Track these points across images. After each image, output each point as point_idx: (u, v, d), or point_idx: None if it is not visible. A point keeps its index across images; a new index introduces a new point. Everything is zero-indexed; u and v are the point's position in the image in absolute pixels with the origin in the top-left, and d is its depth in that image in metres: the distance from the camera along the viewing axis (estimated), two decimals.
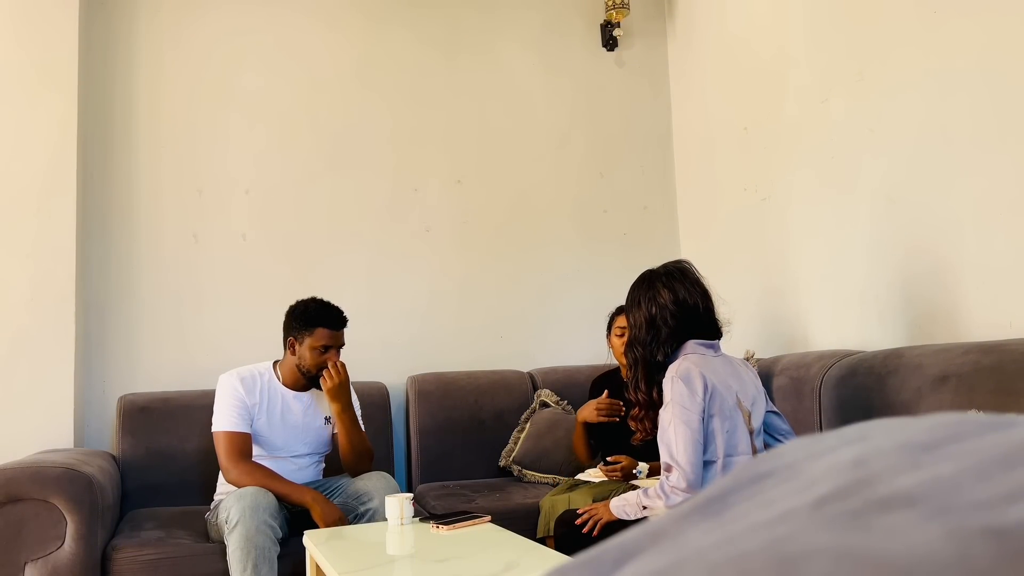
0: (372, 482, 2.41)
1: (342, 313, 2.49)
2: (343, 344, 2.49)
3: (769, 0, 3.16)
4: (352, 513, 2.37)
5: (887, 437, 0.27)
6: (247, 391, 2.42)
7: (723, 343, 2.18)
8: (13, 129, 2.88)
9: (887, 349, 2.29)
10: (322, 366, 2.43)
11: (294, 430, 2.50)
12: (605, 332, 2.79)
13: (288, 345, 2.49)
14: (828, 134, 2.82)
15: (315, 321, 2.44)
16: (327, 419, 2.56)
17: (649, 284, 2.10)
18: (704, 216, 3.65)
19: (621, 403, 2.51)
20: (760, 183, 3.21)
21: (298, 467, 2.51)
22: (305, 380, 2.50)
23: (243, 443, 2.37)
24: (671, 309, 2.05)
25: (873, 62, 2.61)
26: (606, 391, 2.63)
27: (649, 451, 2.34)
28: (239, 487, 2.29)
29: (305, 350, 2.44)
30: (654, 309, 2.06)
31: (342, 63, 3.46)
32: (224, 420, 2.39)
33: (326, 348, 2.43)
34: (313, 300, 2.52)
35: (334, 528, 2.24)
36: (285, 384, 2.51)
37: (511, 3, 3.72)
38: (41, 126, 2.90)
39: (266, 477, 2.32)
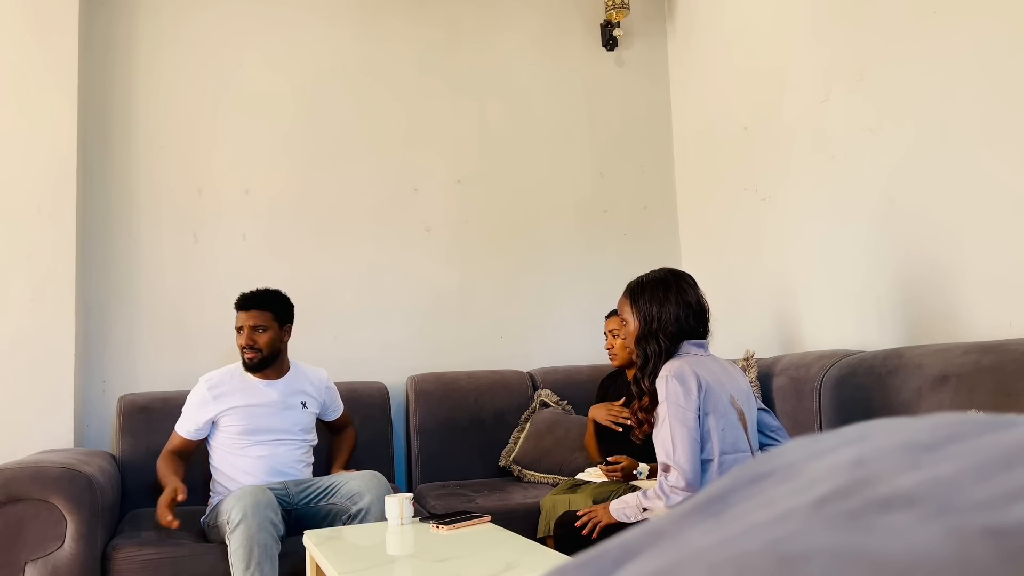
0: (364, 482, 2.42)
1: (250, 296, 2.65)
2: (258, 325, 2.60)
3: (769, 0, 3.16)
4: (345, 513, 2.39)
5: (887, 437, 0.27)
6: (215, 394, 2.57)
7: (722, 343, 2.19)
8: (13, 129, 2.88)
9: (887, 349, 2.29)
10: (242, 347, 2.61)
11: (271, 410, 2.60)
12: (604, 334, 2.83)
13: None
14: (828, 134, 2.82)
15: (236, 306, 2.66)
16: (303, 404, 2.67)
17: (675, 282, 2.13)
18: (704, 216, 3.65)
19: (629, 414, 2.52)
20: (760, 183, 3.21)
21: (287, 448, 2.59)
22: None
23: (177, 445, 2.59)
24: (695, 309, 2.11)
25: (873, 62, 2.61)
26: (623, 398, 2.67)
27: (651, 450, 2.34)
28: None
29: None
30: (681, 307, 2.09)
31: (342, 63, 3.46)
32: (179, 421, 2.62)
33: (239, 329, 2.62)
34: None
35: (334, 528, 2.25)
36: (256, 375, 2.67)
37: (511, 3, 3.72)
38: (41, 126, 2.90)
39: (163, 464, 2.52)
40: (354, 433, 2.86)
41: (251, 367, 2.59)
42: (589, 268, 3.67)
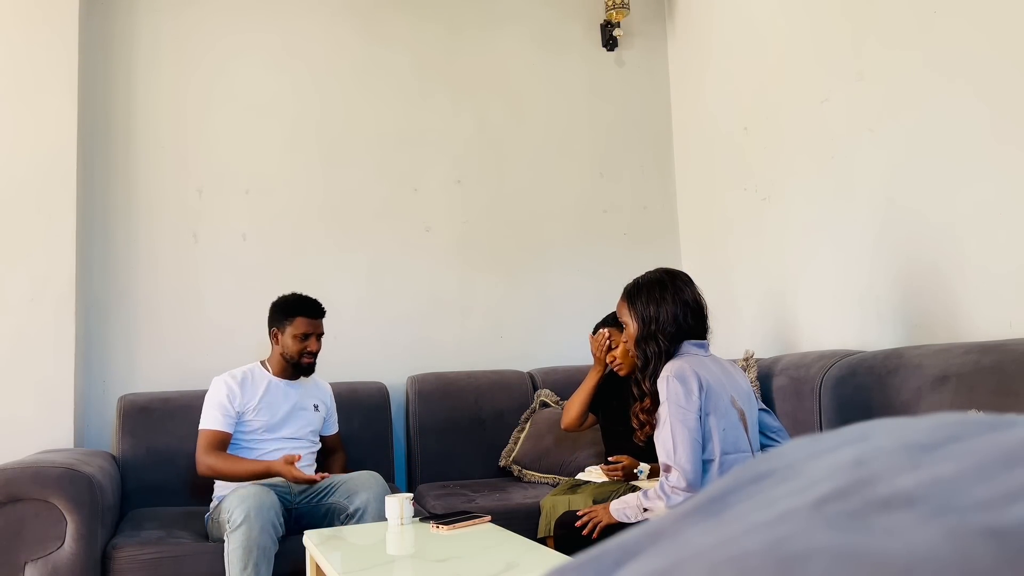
0: (361, 480, 2.43)
1: (319, 304, 2.68)
2: (322, 332, 2.68)
3: (769, 0, 3.16)
4: (343, 512, 2.39)
5: (887, 437, 0.27)
6: (241, 387, 2.57)
7: (722, 343, 2.19)
8: (13, 129, 2.87)
9: (887, 349, 2.29)
10: (304, 353, 2.62)
11: (290, 412, 2.64)
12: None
13: (272, 336, 2.68)
14: (828, 134, 2.82)
15: (294, 311, 2.64)
16: (315, 407, 2.72)
17: (671, 281, 2.13)
18: (704, 216, 3.65)
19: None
20: (760, 183, 3.21)
21: (298, 446, 2.62)
22: (291, 368, 2.66)
23: (219, 440, 2.51)
24: (692, 308, 2.11)
25: (873, 62, 2.61)
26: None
27: (652, 451, 2.34)
28: (212, 475, 2.46)
29: (288, 339, 2.63)
30: (678, 307, 2.09)
31: (342, 63, 3.46)
32: (207, 419, 2.54)
33: (306, 336, 2.63)
34: (293, 294, 2.71)
35: (334, 528, 2.25)
36: (275, 375, 2.68)
37: (511, 3, 3.72)
38: (41, 126, 2.90)
39: (234, 461, 2.46)
40: (345, 458, 2.84)
41: (306, 371, 2.66)
42: (589, 268, 3.67)
